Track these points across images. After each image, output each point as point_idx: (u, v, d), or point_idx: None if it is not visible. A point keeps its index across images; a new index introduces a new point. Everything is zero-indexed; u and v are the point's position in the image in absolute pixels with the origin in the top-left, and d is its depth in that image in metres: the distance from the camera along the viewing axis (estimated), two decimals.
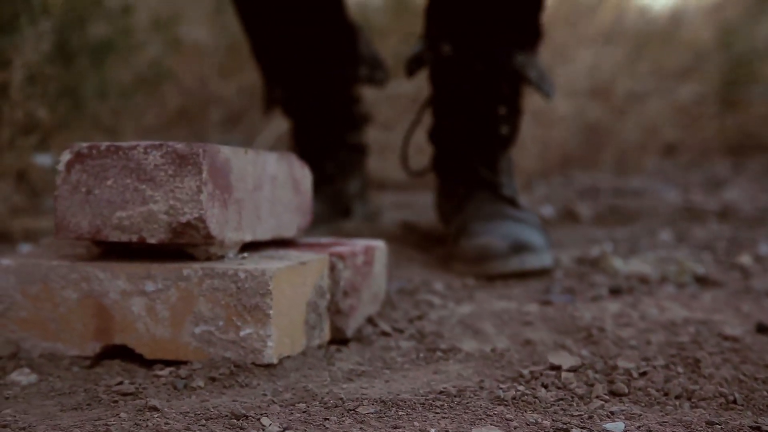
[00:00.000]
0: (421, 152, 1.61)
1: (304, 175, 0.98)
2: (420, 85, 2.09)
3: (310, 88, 1.36)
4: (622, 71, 2.35)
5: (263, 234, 0.89)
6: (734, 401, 0.73)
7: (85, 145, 0.81)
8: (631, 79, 2.35)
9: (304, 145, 1.43)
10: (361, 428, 0.67)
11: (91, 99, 1.53)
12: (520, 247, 1.15)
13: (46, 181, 1.36)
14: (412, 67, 1.31)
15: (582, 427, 0.68)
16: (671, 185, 1.99)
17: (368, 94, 1.75)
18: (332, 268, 0.89)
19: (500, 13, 1.24)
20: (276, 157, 0.92)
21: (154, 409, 0.69)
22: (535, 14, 1.25)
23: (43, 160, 1.34)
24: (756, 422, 0.69)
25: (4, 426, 0.67)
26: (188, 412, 0.69)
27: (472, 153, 1.27)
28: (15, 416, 0.69)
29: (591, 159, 2.21)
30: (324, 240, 1.00)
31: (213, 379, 0.76)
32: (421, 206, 1.68)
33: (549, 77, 1.27)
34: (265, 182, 0.89)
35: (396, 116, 2.08)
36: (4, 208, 1.24)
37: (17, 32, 1.26)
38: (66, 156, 0.81)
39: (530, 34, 1.26)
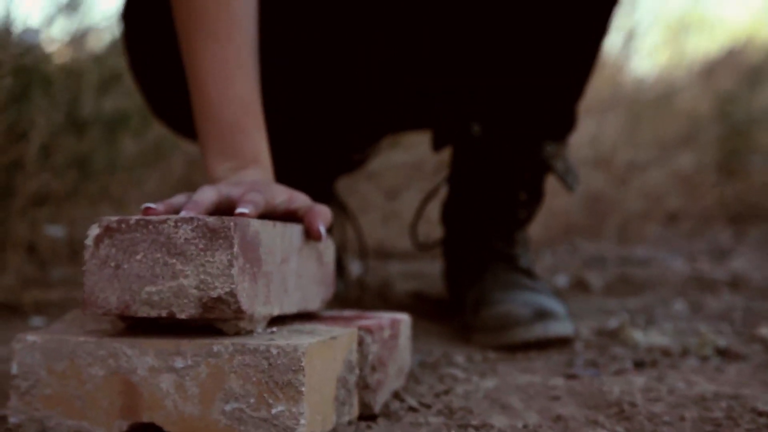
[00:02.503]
0: (427, 221, 1.61)
1: (327, 246, 0.97)
2: (423, 154, 2.10)
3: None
4: (622, 141, 2.36)
5: (290, 307, 0.88)
6: None
7: (114, 219, 0.80)
8: (632, 149, 2.36)
9: None
10: None
11: (101, 170, 1.53)
12: (542, 314, 1.14)
13: (56, 251, 1.35)
14: (439, 142, 1.30)
15: None
16: (676, 254, 1.99)
17: (372, 162, 1.75)
18: (360, 343, 0.88)
19: (537, 100, 1.22)
20: (301, 228, 0.91)
21: None
22: (572, 104, 1.24)
23: (54, 231, 1.32)
24: None
25: None
26: None
27: (487, 229, 1.26)
28: None
29: (594, 228, 2.21)
30: (346, 313, 0.99)
31: None
32: (430, 276, 1.67)
33: (574, 169, 1.26)
34: (291, 255, 0.88)
35: (400, 184, 2.08)
36: (14, 279, 1.22)
37: (31, 102, 1.25)
38: (94, 230, 0.80)
39: (564, 124, 1.25)
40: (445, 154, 1.36)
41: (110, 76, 1.71)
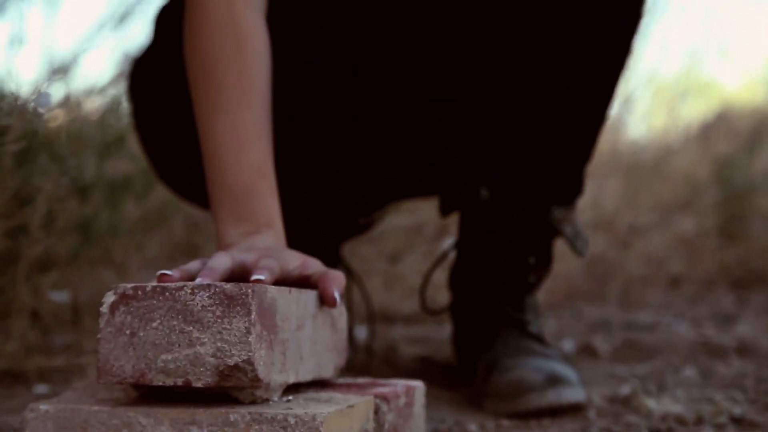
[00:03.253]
0: (432, 285, 1.59)
1: (341, 313, 0.96)
2: (424, 217, 2.10)
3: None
4: (622, 204, 2.36)
5: (305, 375, 0.86)
6: None
7: (129, 286, 0.79)
8: (632, 212, 2.36)
9: None
10: None
11: (104, 234, 1.52)
12: (555, 380, 1.12)
13: (59, 317, 1.33)
14: (447, 208, 1.29)
15: None
16: (681, 319, 1.98)
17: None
18: (376, 411, 0.87)
19: (546, 164, 1.22)
20: (315, 294, 0.90)
21: None
22: (580, 168, 1.24)
23: (58, 296, 1.31)
24: None
25: None
26: None
27: (497, 294, 1.25)
28: None
29: (596, 292, 2.20)
30: (360, 380, 0.98)
31: None
32: (435, 340, 1.65)
33: (583, 234, 1.26)
34: (306, 321, 0.87)
35: (401, 247, 2.07)
36: (18, 346, 1.20)
37: (37, 167, 1.25)
38: (110, 297, 0.79)
39: (572, 188, 1.25)
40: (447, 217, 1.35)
41: (113, 140, 1.71)
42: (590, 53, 1.17)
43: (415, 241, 2.09)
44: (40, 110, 1.05)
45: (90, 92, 2.18)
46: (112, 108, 1.86)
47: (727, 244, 2.47)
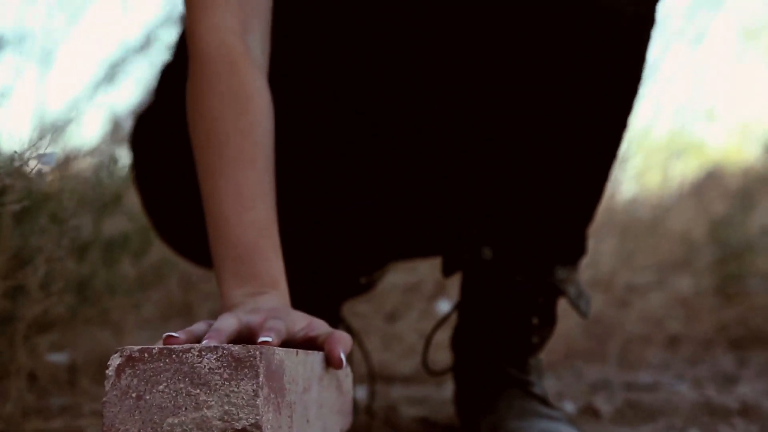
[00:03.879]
0: (433, 345, 1.58)
1: (347, 375, 0.94)
2: (422, 276, 2.08)
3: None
4: (620, 263, 2.36)
5: None
6: None
7: (136, 348, 0.78)
8: (630, 271, 2.36)
9: None
10: None
11: (101, 294, 1.50)
12: None
13: (56, 378, 1.31)
14: (449, 268, 1.28)
15: None
16: (681, 379, 1.96)
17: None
18: None
19: (548, 224, 1.21)
20: (321, 356, 0.88)
21: None
22: (582, 228, 1.23)
23: (57, 358, 1.29)
24: None
25: None
26: None
27: (500, 355, 1.23)
28: None
29: (595, 351, 2.18)
30: None
31: None
32: (435, 401, 1.63)
33: (587, 294, 1.25)
34: (313, 383, 0.86)
35: (399, 306, 2.06)
36: (15, 408, 1.18)
37: (36, 226, 1.24)
38: (116, 360, 0.77)
39: (576, 248, 1.24)
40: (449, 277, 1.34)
41: (109, 198, 1.70)
42: (594, 114, 1.17)
43: (413, 299, 2.07)
44: (43, 169, 1.04)
45: (82, 151, 2.19)
46: (107, 166, 1.86)
47: (725, 303, 2.46)
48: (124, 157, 1.84)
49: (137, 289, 1.72)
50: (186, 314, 2.02)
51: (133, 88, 2.75)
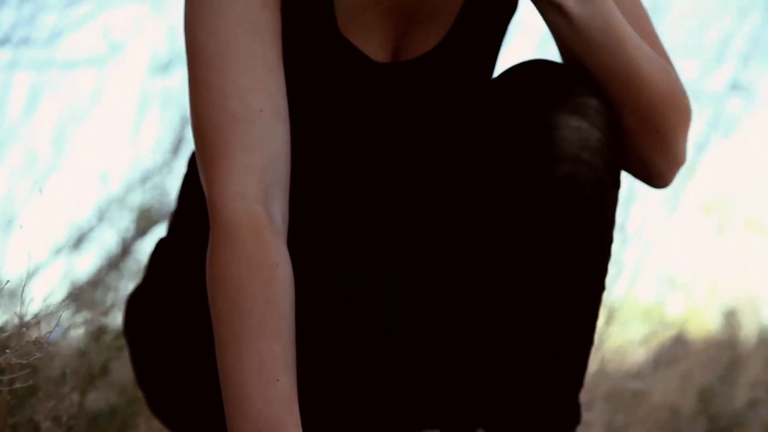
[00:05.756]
0: None
1: None
2: None
3: None
4: None
5: None
6: None
7: None
8: None
9: None
10: None
11: None
12: None
13: None
14: None
15: None
16: None
17: None
18: None
19: (542, 396, 1.17)
20: None
21: None
22: (575, 396, 1.19)
23: None
24: None
25: None
26: None
27: None
28: None
29: None
30: None
31: None
32: None
33: None
34: None
35: None
36: None
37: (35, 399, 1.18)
38: None
39: (569, 418, 1.19)
40: None
41: (96, 371, 1.65)
42: (567, 282, 1.15)
43: None
44: (47, 343, 1.00)
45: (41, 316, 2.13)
46: (94, 338, 1.81)
47: None
48: (111, 326, 1.79)
49: None
50: None
51: (95, 255, 2.73)
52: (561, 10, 1.05)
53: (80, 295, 2.62)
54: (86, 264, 2.86)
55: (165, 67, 2.87)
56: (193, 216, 1.14)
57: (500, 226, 1.10)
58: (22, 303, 1.07)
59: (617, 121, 1.11)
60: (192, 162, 1.22)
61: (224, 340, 0.97)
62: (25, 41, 2.61)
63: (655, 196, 3.25)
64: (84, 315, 2.22)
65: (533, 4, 1.08)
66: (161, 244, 1.25)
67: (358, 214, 1.19)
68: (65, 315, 2.33)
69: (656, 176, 1.21)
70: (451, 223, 1.14)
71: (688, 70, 3.08)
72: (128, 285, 2.66)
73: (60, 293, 2.48)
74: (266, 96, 1.07)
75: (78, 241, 2.84)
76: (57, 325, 0.99)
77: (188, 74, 1.09)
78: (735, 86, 3.18)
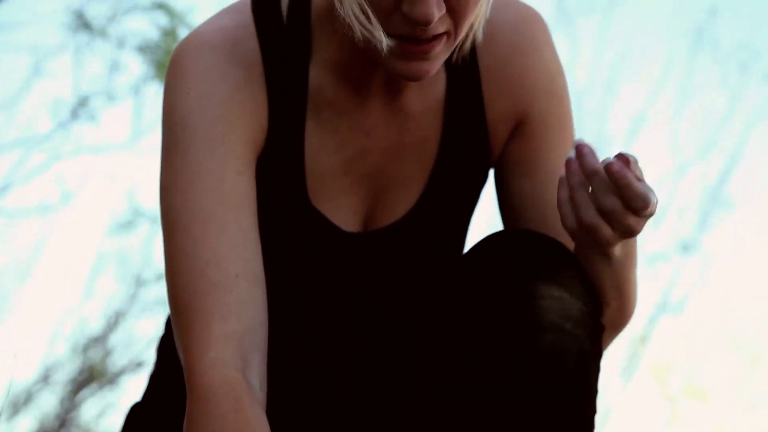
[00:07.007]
0: None
1: None
2: None
3: None
4: None
5: None
6: None
7: None
8: None
9: None
10: None
11: None
12: None
13: None
14: None
15: None
16: None
17: None
18: None
19: None
20: None
21: None
22: None
23: None
24: None
25: None
26: None
27: None
28: None
29: None
30: None
31: None
32: None
33: None
34: None
35: None
36: None
37: None
38: None
39: None
40: None
41: None
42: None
43: None
44: None
45: None
46: None
47: None
48: None
49: None
50: None
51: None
52: (605, 254, 1.09)
53: None
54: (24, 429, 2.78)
55: (124, 226, 2.85)
56: (171, 380, 1.10)
57: (481, 396, 1.08)
58: None
59: (595, 292, 1.12)
60: (168, 324, 1.19)
61: None
62: None
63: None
64: None
65: (579, 250, 1.11)
66: (135, 410, 1.21)
67: (333, 376, 1.17)
68: None
69: None
70: (430, 392, 1.12)
71: None
72: None
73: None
74: (242, 262, 1.05)
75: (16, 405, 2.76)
76: None
77: (164, 240, 1.07)
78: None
